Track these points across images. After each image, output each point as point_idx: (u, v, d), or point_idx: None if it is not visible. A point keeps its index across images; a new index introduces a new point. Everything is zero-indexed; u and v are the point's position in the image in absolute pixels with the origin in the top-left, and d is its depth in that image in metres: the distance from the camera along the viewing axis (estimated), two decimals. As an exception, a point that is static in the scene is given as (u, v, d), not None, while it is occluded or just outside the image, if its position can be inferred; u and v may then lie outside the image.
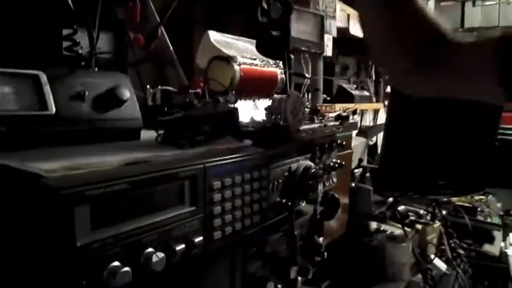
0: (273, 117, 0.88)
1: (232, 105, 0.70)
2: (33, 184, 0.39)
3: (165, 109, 0.84)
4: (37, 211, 0.39)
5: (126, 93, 0.63)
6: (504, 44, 0.54)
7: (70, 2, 0.74)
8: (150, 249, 0.46)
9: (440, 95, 0.68)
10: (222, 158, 0.57)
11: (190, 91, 0.90)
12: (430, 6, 2.92)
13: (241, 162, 0.61)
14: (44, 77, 0.56)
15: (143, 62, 0.94)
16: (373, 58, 0.74)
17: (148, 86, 0.94)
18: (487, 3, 4.23)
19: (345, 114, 1.21)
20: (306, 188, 0.97)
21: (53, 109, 0.55)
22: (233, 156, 0.60)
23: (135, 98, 0.66)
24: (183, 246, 0.50)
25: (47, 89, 0.55)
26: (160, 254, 0.46)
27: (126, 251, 0.44)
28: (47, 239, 0.39)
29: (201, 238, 0.53)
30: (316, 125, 1.04)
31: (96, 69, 0.69)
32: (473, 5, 4.20)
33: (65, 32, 0.76)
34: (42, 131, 0.54)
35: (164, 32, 1.02)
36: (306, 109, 1.01)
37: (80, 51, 0.75)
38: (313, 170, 0.97)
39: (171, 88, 0.90)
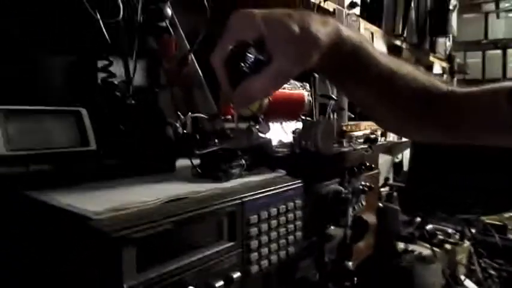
0: (303, 142, 0.89)
1: (265, 135, 0.71)
2: (82, 226, 0.40)
3: (197, 137, 0.85)
4: (85, 253, 0.40)
5: (164, 126, 0.64)
6: None
7: (106, 33, 0.77)
8: (191, 288, 0.46)
9: (453, 143, 0.69)
10: (258, 191, 0.57)
11: (221, 117, 0.91)
12: (453, 19, 2.89)
13: (276, 195, 0.61)
14: (85, 113, 0.57)
15: (174, 87, 0.96)
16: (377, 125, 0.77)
17: (178, 113, 0.95)
18: (510, 15, 4.16)
19: (373, 136, 1.20)
20: (337, 213, 0.96)
21: (94, 145, 0.57)
22: (269, 189, 0.60)
23: (171, 130, 0.67)
24: (222, 283, 0.50)
25: (89, 124, 0.57)
26: (202, 293, 0.46)
27: (169, 291, 0.44)
28: (95, 282, 0.39)
29: (238, 274, 0.53)
30: (346, 149, 1.04)
31: (132, 101, 0.70)
32: (497, 16, 4.13)
33: (100, 63, 0.78)
34: (85, 167, 0.55)
35: (193, 57, 1.04)
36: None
37: (115, 82, 0.77)
38: (343, 195, 0.97)
39: (202, 115, 0.91)
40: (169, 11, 0.92)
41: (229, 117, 1.01)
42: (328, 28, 0.51)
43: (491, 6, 4.16)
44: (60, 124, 0.55)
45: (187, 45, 1.04)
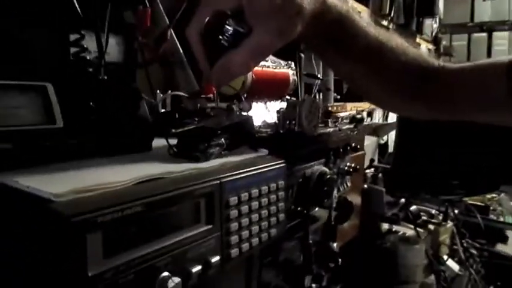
0: (287, 122, 0.86)
1: (246, 114, 0.67)
2: (41, 209, 0.37)
3: (176, 116, 0.82)
4: (46, 239, 0.36)
5: (138, 103, 0.61)
6: None
7: (77, 6, 0.72)
8: (165, 274, 0.43)
9: (446, 119, 0.66)
10: (238, 172, 0.54)
11: (201, 96, 0.87)
12: (440, 0, 2.87)
13: (257, 175, 0.58)
14: (51, 89, 0.53)
15: (151, 64, 0.91)
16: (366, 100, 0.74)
17: (158, 91, 0.91)
18: (497, -3, 4.15)
19: (359, 116, 1.18)
20: (321, 195, 0.94)
21: (60, 122, 0.53)
22: (249, 169, 0.57)
23: (146, 108, 0.63)
24: (199, 267, 0.48)
25: (55, 101, 0.53)
26: (176, 279, 0.43)
27: (140, 278, 0.41)
28: (57, 269, 0.36)
29: (218, 258, 0.50)
30: (331, 129, 1.01)
31: (105, 77, 0.66)
32: (484, -1, 4.13)
33: (72, 37, 0.74)
34: (50, 146, 0.51)
35: (173, 34, 0.99)
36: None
37: (88, 57, 0.72)
38: (328, 176, 0.94)
39: (182, 93, 0.87)
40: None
41: (211, 96, 0.97)
42: None
43: (478, -13, 4.15)
44: (23, 100, 0.50)
45: (167, 20, 0.99)
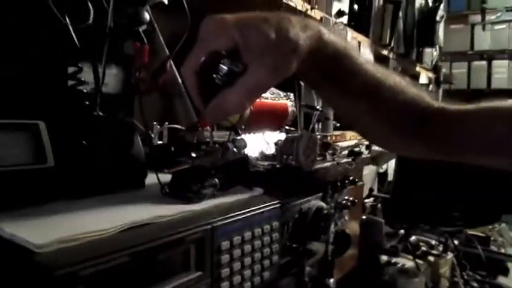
0: (285, 157, 0.85)
1: (242, 151, 0.67)
2: (24, 260, 0.35)
3: (172, 149, 0.81)
4: (27, 291, 0.35)
5: (134, 141, 0.60)
6: None
7: (75, 38, 0.72)
8: (151, 327, 0.42)
9: (444, 159, 0.65)
10: (230, 215, 0.53)
11: (199, 128, 0.86)
12: (440, 29, 2.90)
13: (251, 217, 0.57)
14: (43, 127, 0.52)
15: (148, 95, 0.91)
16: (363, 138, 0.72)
17: (155, 123, 0.91)
18: (496, 27, 4.20)
19: (357, 149, 1.17)
20: (318, 230, 0.92)
21: (51, 162, 0.52)
22: (242, 211, 0.55)
23: (140, 145, 0.63)
24: (188, 317, 0.46)
25: (47, 140, 0.52)
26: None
27: (125, 332, 0.40)
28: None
29: (207, 306, 0.49)
30: (329, 163, 1.00)
31: (100, 113, 0.65)
32: (483, 28, 4.17)
33: (70, 70, 0.73)
34: (40, 186, 0.50)
35: (173, 65, 1.00)
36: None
37: (84, 90, 0.72)
38: (325, 212, 0.93)
39: (179, 126, 0.86)
40: (147, 15, 0.87)
41: (208, 128, 0.97)
42: (308, 32, 0.47)
43: (477, 18, 4.20)
44: (13, 139, 0.50)
45: (167, 51, 0.99)
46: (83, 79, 0.73)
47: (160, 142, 0.91)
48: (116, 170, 0.58)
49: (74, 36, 0.71)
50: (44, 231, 0.39)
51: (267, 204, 0.61)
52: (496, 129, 0.53)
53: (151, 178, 0.65)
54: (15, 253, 0.37)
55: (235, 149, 0.67)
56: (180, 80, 1.08)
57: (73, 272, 0.35)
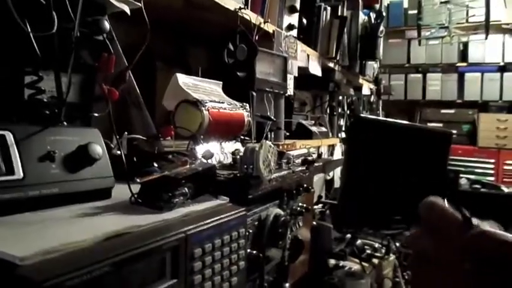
0: (245, 166, 0.88)
1: (209, 160, 0.68)
2: (7, 274, 0.35)
3: (134, 159, 0.81)
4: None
5: (99, 150, 0.60)
6: None
7: (36, 47, 0.70)
8: (131, 335, 0.43)
9: None
10: (202, 223, 0.55)
11: (160, 138, 0.87)
12: (380, 43, 3.07)
13: (220, 225, 0.59)
14: (10, 138, 0.51)
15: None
16: None
17: (114, 134, 0.90)
18: (431, 42, 4.53)
19: (310, 158, 1.23)
20: (276, 236, 0.96)
21: (20, 173, 0.51)
22: (213, 219, 0.57)
23: (107, 155, 0.63)
24: (164, 325, 0.47)
25: (14, 150, 0.51)
26: None
27: None
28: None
29: (182, 313, 0.50)
30: (285, 172, 1.05)
31: (64, 122, 0.65)
32: (419, 44, 4.48)
33: (28, 79, 0.72)
34: (8, 198, 0.49)
35: (131, 74, 0.99)
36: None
37: (44, 100, 0.71)
38: (282, 218, 0.97)
39: (140, 136, 0.86)
40: (107, 25, 0.87)
41: (169, 138, 0.98)
42: None
43: (413, 33, 4.50)
44: (-21, 150, 0.49)
45: (125, 61, 0.99)
46: (43, 88, 0.71)
47: (119, 152, 0.90)
48: (83, 180, 0.58)
49: (34, 44, 0.70)
50: (23, 243, 0.39)
51: (234, 212, 0.63)
52: None
53: (116, 189, 0.65)
54: (-5, 266, 0.37)
55: (203, 159, 0.69)
56: (138, 90, 1.07)
57: (60, 283, 0.36)
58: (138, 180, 0.58)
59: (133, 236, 0.47)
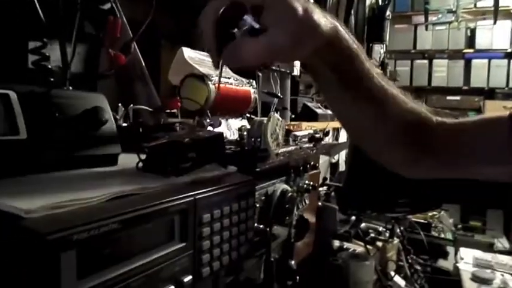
0: (252, 140, 0.86)
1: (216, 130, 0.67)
2: (13, 227, 0.34)
3: (140, 130, 0.79)
4: (16, 259, 0.34)
5: (105, 115, 0.58)
6: None
7: (41, 13, 0.69)
8: (139, 295, 0.42)
9: (446, 177, 0.66)
10: (211, 188, 0.54)
11: (165, 111, 0.85)
12: (386, 28, 3.03)
13: (229, 192, 0.57)
14: (15, 98, 0.50)
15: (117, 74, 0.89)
16: (367, 152, 0.66)
17: (120, 105, 0.88)
18: (438, 28, 4.47)
19: (318, 135, 1.21)
20: (283, 212, 0.95)
21: (24, 133, 0.49)
22: (221, 186, 0.56)
23: (113, 120, 0.61)
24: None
25: (18, 110, 0.50)
26: (152, 300, 0.42)
27: (114, 299, 0.39)
28: (27, 291, 0.34)
29: (190, 277, 0.49)
30: (293, 148, 1.03)
31: (70, 87, 0.63)
32: (426, 29, 4.41)
33: (33, 44, 0.70)
34: (13, 158, 0.48)
35: (136, 48, 0.98)
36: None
37: (49, 66, 0.69)
38: (289, 194, 0.96)
39: (147, 107, 0.85)
40: (112, -8, 0.85)
41: (175, 111, 0.96)
42: (328, 22, 0.47)
43: (420, 18, 4.43)
44: (-18, 108, 0.47)
45: (130, 33, 0.97)
46: (47, 54, 0.70)
47: (125, 124, 0.89)
48: (89, 145, 0.57)
49: (39, 9, 0.68)
50: (30, 199, 0.38)
51: (243, 181, 0.62)
52: (495, 138, 0.55)
53: (121, 159, 0.63)
54: (1, 220, 0.35)
55: (210, 127, 0.67)
56: (143, 64, 1.05)
57: (66, 236, 0.34)
58: (144, 144, 0.56)
59: (142, 197, 0.46)
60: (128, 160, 0.61)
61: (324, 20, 0.47)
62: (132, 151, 0.62)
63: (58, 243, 0.34)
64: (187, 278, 0.49)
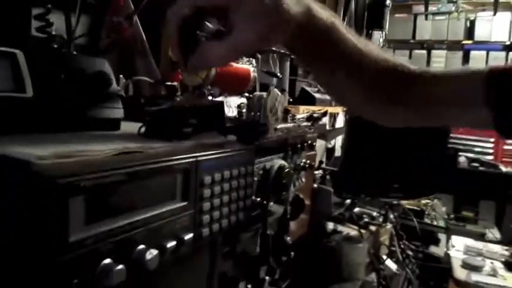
0: (252, 113, 0.87)
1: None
2: (23, 172, 0.35)
3: (141, 101, 0.80)
4: (27, 202, 0.35)
5: (108, 78, 0.59)
6: (495, 75, 0.55)
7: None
8: (142, 246, 0.43)
9: (420, 125, 0.68)
10: (213, 152, 0.55)
11: (166, 83, 0.86)
12: (386, 15, 3.03)
13: (229, 157, 0.59)
14: (22, 57, 0.51)
15: (117, 46, 0.89)
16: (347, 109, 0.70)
17: (121, 76, 0.89)
18: (437, 18, 4.46)
19: (316, 115, 1.22)
20: (280, 188, 0.96)
21: (30, 92, 0.50)
22: (223, 150, 0.57)
23: (116, 85, 0.62)
24: (173, 243, 0.48)
25: (25, 69, 0.50)
26: (154, 251, 0.43)
27: (118, 248, 0.41)
28: (37, 233, 0.35)
29: (191, 235, 0.51)
30: (291, 125, 1.04)
31: (74, 52, 0.64)
32: (426, 18, 4.41)
33: (36, 11, 0.70)
34: (19, 115, 0.49)
35: (138, 21, 0.98)
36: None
37: (53, 33, 0.70)
38: (286, 170, 0.97)
39: (148, 79, 0.86)
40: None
41: (175, 83, 0.97)
42: (299, 6, 0.48)
43: (420, 8, 4.42)
44: (-10, 65, 0.48)
45: (132, 6, 0.97)
46: (51, 20, 0.70)
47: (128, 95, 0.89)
48: (93, 107, 0.58)
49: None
50: (40, 147, 0.39)
51: (243, 148, 0.63)
52: (470, 91, 0.57)
53: (124, 127, 0.64)
54: (11, 166, 0.36)
55: (210, 97, 0.68)
56: (144, 37, 1.06)
57: (75, 181, 0.36)
58: (147, 109, 0.57)
59: (146, 155, 0.47)
60: (130, 128, 0.62)
61: (294, 5, 0.47)
62: (134, 120, 0.63)
63: (67, 188, 0.35)
64: (188, 236, 0.50)
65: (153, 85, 0.93)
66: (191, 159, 0.51)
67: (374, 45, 0.61)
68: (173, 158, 0.48)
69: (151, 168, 0.45)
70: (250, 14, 0.44)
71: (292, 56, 0.59)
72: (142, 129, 0.59)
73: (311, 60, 0.57)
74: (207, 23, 0.46)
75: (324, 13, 0.53)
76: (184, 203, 0.50)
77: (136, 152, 0.46)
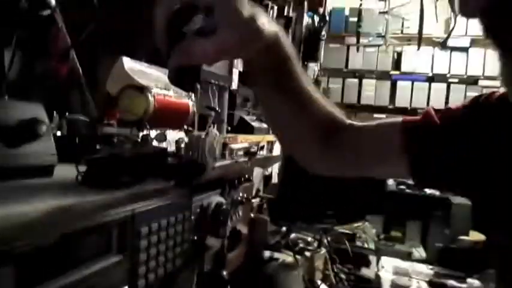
0: (190, 153, 0.88)
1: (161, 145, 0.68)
2: None
3: (77, 141, 0.79)
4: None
5: (43, 126, 0.58)
6: (406, 126, 0.62)
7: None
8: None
9: (351, 175, 0.74)
10: (150, 202, 0.55)
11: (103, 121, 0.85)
12: (321, 47, 3.19)
13: (167, 206, 0.60)
14: None
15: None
16: (283, 147, 0.75)
17: (55, 113, 0.87)
18: (368, 49, 4.78)
19: (253, 150, 1.26)
20: (217, 224, 0.98)
21: (-43, 143, 0.48)
22: (160, 199, 0.58)
23: (51, 132, 0.61)
24: (108, 300, 0.47)
25: (-49, 120, 0.49)
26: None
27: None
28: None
29: (126, 288, 0.51)
30: (229, 162, 1.07)
31: (6, 97, 0.62)
32: (357, 50, 4.69)
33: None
34: None
35: (75, 55, 0.96)
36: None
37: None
38: (223, 207, 0.99)
39: (83, 117, 0.84)
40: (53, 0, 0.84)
41: (112, 122, 0.95)
42: (271, 28, 0.53)
43: (353, 40, 4.70)
44: None
45: (69, 40, 0.95)
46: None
47: (59, 133, 0.87)
48: (23, 154, 0.56)
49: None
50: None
51: (180, 194, 0.64)
52: (389, 139, 0.63)
53: (58, 171, 0.63)
54: None
55: (154, 142, 0.69)
56: (80, 71, 1.04)
57: (4, 251, 0.35)
58: (86, 157, 0.57)
59: (81, 209, 0.46)
60: (64, 171, 0.61)
61: (268, 25, 0.52)
62: (68, 162, 0.62)
63: (-3, 257, 0.35)
64: (124, 290, 0.50)
65: (89, 123, 0.91)
66: (127, 213, 0.51)
67: (318, 92, 0.67)
68: (109, 211, 0.48)
69: (86, 225, 0.44)
70: (231, 19, 0.47)
71: (248, 79, 0.62)
72: (79, 177, 0.58)
73: (266, 84, 0.61)
74: (194, 19, 0.47)
75: (288, 43, 0.58)
76: (120, 257, 0.50)
77: (71, 208, 0.45)
